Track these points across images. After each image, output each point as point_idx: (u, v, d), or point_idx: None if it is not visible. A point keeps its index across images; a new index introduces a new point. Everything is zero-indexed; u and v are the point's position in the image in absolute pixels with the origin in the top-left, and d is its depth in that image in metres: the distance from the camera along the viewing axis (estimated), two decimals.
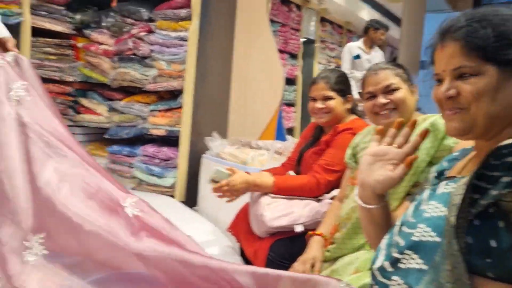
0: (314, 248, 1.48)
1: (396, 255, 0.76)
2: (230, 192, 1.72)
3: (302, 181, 1.72)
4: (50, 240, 1.23)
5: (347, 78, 1.90)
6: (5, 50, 1.61)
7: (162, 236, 1.29)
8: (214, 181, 1.72)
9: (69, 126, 3.40)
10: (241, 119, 3.27)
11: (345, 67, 4.39)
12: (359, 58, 4.41)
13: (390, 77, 1.37)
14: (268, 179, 1.73)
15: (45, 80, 3.17)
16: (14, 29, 2.81)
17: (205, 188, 2.82)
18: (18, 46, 2.82)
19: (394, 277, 0.75)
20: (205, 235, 2.30)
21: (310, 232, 1.54)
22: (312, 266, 1.44)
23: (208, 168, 2.78)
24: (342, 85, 1.83)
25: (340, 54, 5.09)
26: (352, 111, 1.88)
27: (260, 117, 3.35)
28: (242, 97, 3.29)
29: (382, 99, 1.36)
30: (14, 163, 1.24)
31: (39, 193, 1.24)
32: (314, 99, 1.82)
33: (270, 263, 1.62)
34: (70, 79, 3.31)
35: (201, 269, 1.18)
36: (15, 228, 1.21)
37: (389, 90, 1.36)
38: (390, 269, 0.77)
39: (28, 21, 2.89)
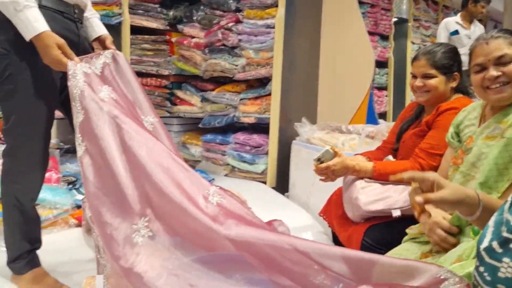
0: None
1: (506, 234, 0.69)
2: (328, 174, 1.70)
3: (404, 167, 1.61)
4: (154, 223, 1.32)
5: (456, 54, 1.74)
6: (104, 47, 1.74)
7: (248, 222, 1.31)
8: (319, 160, 1.71)
9: (167, 117, 3.61)
10: (330, 104, 3.21)
11: None
12: (457, 34, 4.09)
13: (504, 46, 1.22)
14: (368, 165, 1.67)
15: (144, 75, 3.39)
16: (116, 29, 3.04)
17: (296, 174, 2.83)
18: (119, 44, 3.05)
19: (504, 259, 0.69)
20: (297, 221, 2.31)
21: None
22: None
23: (298, 154, 2.79)
24: (447, 62, 1.68)
25: (436, 32, 4.76)
26: (459, 89, 1.73)
27: (350, 101, 3.27)
28: (331, 81, 3.23)
29: (493, 72, 1.23)
30: (113, 153, 1.33)
31: (140, 179, 1.32)
32: (415, 76, 1.73)
33: (364, 249, 1.57)
34: (166, 72, 3.50)
35: (292, 253, 1.18)
36: (125, 213, 1.31)
37: (502, 61, 1.23)
38: (499, 250, 0.70)
39: (127, 20, 3.10)
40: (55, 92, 1.54)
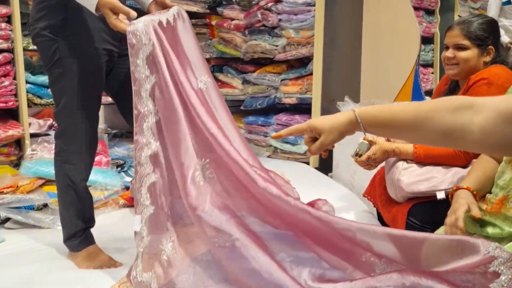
0: (461, 197, 1.29)
1: None
2: (371, 164, 1.68)
3: (445, 149, 1.56)
4: (213, 166, 1.36)
5: (495, 26, 1.65)
6: (165, 6, 1.70)
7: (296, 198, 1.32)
8: (357, 154, 1.70)
9: None
10: (374, 82, 3.14)
11: (492, 15, 3.88)
12: (510, 4, 3.85)
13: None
14: (408, 147, 1.63)
15: None
16: None
17: (339, 154, 2.80)
18: None
19: None
20: (341, 200, 2.29)
21: (454, 187, 1.36)
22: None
23: None
24: (482, 34, 1.59)
25: (486, 5, 4.51)
26: (495, 63, 1.63)
27: (394, 79, 3.17)
28: (374, 59, 3.15)
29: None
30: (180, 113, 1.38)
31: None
32: (447, 47, 1.65)
33: (409, 228, 1.54)
34: (207, 56, 3.53)
35: (340, 231, 1.17)
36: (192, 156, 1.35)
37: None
38: None
39: None
40: (102, 74, 1.59)
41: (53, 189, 2.09)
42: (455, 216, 1.22)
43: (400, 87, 3.04)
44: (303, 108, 3.06)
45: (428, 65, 4.97)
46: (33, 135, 2.67)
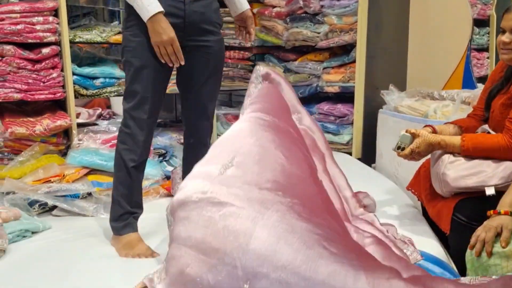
0: (502, 218, 1.27)
1: None
2: (415, 157, 1.61)
3: (496, 141, 1.46)
4: None
5: None
6: (244, 26, 1.86)
7: None
8: (399, 147, 1.63)
9: None
10: (421, 69, 2.99)
11: None
12: None
13: None
14: (455, 140, 1.53)
15: (227, 48, 3.42)
16: None
17: (383, 145, 2.71)
18: None
19: None
20: (384, 193, 2.22)
21: (490, 212, 1.31)
22: (498, 234, 1.24)
23: (385, 124, 2.65)
24: None
25: None
26: None
27: (443, 65, 3.01)
28: (422, 44, 3.00)
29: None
30: None
31: None
32: (503, 31, 1.52)
33: (455, 225, 1.46)
34: (248, 44, 3.50)
35: None
36: None
37: None
38: None
39: None
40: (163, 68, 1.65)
41: (96, 178, 2.16)
42: (484, 233, 1.25)
43: (450, 74, 2.89)
44: (346, 96, 2.97)
45: (483, 49, 4.68)
46: (82, 125, 2.75)
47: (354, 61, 2.84)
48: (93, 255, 1.56)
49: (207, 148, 1.68)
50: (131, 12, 1.59)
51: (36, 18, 2.48)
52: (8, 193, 2.01)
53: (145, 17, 1.52)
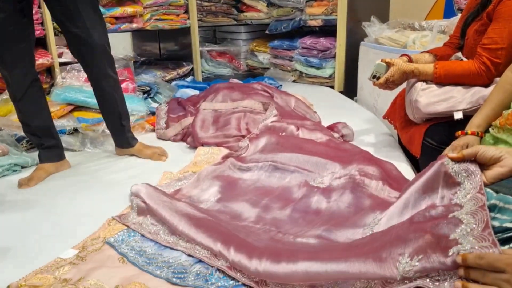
0: (469, 138, 1.33)
1: None
2: (390, 86, 1.65)
3: (467, 67, 1.49)
4: None
5: None
6: None
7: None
8: (374, 76, 1.66)
9: (234, 25, 3.59)
10: (404, 1, 2.97)
11: None
12: None
13: None
14: (428, 68, 1.57)
15: None
16: None
17: (364, 77, 2.75)
18: None
19: None
20: (364, 123, 2.29)
21: (458, 133, 1.36)
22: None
23: (366, 56, 2.67)
24: None
25: None
26: None
27: None
28: None
29: None
30: None
31: None
32: None
33: (426, 149, 1.54)
34: None
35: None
36: None
37: None
38: None
39: None
40: None
41: (82, 114, 2.20)
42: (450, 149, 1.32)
43: (432, 4, 2.87)
44: (329, 30, 2.96)
45: None
46: (65, 64, 2.74)
47: None
48: (78, 185, 1.63)
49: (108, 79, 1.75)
50: None
51: None
52: None
53: None
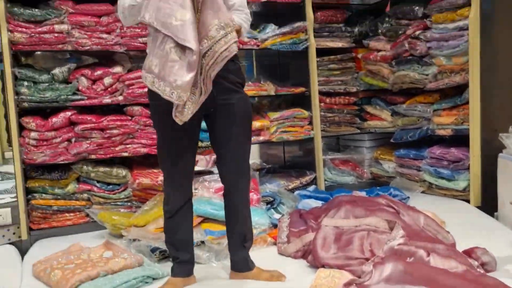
0: None
1: None
2: None
3: None
4: None
5: None
6: None
7: None
8: None
9: (358, 133, 3.61)
10: None
11: None
12: None
13: None
14: None
15: (332, 94, 3.47)
16: (303, 54, 3.20)
17: (505, 191, 2.47)
18: (307, 67, 3.20)
19: None
20: (508, 247, 2.02)
21: None
22: None
23: (506, 169, 2.43)
24: None
25: None
26: None
27: None
28: None
29: None
30: None
31: None
32: None
33: None
34: (354, 89, 3.51)
35: None
36: None
37: None
38: None
39: (313, 44, 3.24)
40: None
41: (209, 226, 2.31)
42: None
43: None
44: (460, 139, 2.80)
45: None
46: (198, 173, 2.97)
47: (467, 103, 2.68)
48: None
49: (244, 203, 1.83)
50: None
51: None
52: (134, 240, 2.25)
53: None
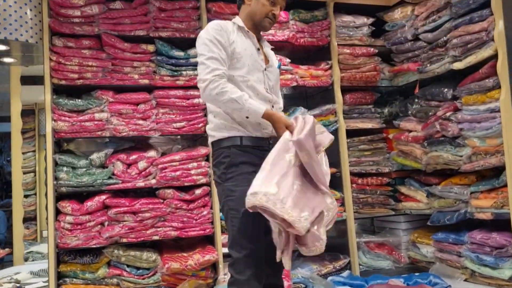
0: None
1: None
2: None
3: None
4: None
5: None
6: None
7: None
8: None
9: (392, 215, 3.49)
10: None
11: None
12: None
13: None
14: None
15: (364, 175, 3.42)
16: (333, 135, 3.22)
17: None
18: (337, 148, 3.21)
19: None
20: None
21: None
22: None
23: None
24: None
25: None
26: None
27: None
28: None
29: None
30: None
31: None
32: None
33: None
34: (386, 169, 3.46)
35: None
36: None
37: None
38: None
39: (343, 125, 3.28)
40: None
41: None
42: None
43: None
44: (502, 224, 2.65)
45: None
46: (228, 255, 2.92)
47: (505, 185, 2.58)
48: None
49: None
50: (231, 163, 1.80)
51: (192, 163, 2.88)
52: None
53: (258, 115, 1.77)
